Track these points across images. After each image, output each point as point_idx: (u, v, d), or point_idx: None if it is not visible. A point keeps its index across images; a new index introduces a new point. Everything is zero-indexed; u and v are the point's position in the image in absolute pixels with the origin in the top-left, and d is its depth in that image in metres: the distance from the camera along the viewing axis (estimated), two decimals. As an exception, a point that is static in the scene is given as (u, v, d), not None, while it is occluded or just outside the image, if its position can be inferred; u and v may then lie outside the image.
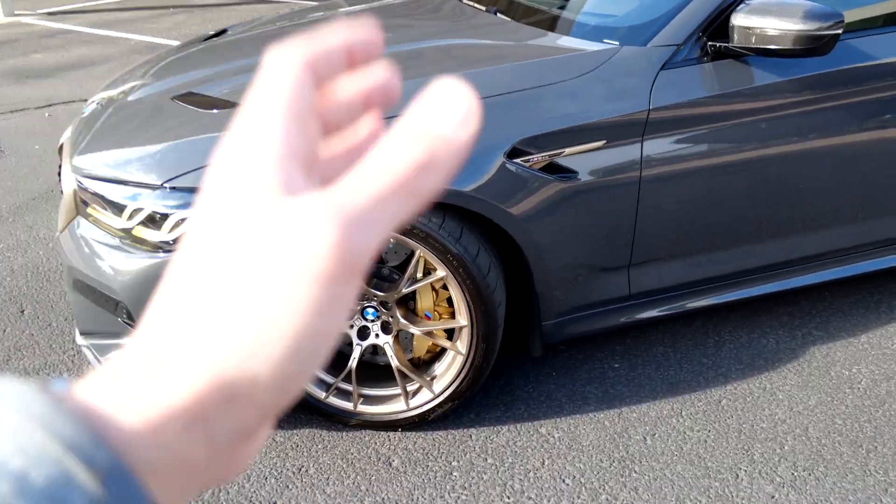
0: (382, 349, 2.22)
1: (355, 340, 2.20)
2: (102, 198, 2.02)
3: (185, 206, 1.90)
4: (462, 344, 2.13)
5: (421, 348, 2.27)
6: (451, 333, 2.19)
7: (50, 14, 9.35)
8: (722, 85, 2.14)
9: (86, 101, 3.47)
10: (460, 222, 2.01)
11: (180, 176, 1.92)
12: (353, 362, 2.17)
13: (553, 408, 2.33)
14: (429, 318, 2.19)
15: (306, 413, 2.28)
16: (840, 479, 2.03)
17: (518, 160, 1.99)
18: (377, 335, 2.21)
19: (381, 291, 2.13)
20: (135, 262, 1.94)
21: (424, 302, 2.21)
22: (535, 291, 2.14)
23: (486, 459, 2.14)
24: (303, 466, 2.13)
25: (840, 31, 2.00)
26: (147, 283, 1.93)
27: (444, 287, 2.20)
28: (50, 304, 2.96)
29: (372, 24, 0.29)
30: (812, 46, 1.99)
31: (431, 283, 2.15)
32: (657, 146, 2.10)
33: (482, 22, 2.67)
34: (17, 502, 0.20)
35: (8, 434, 0.21)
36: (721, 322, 2.71)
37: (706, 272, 2.38)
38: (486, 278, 2.02)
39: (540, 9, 2.67)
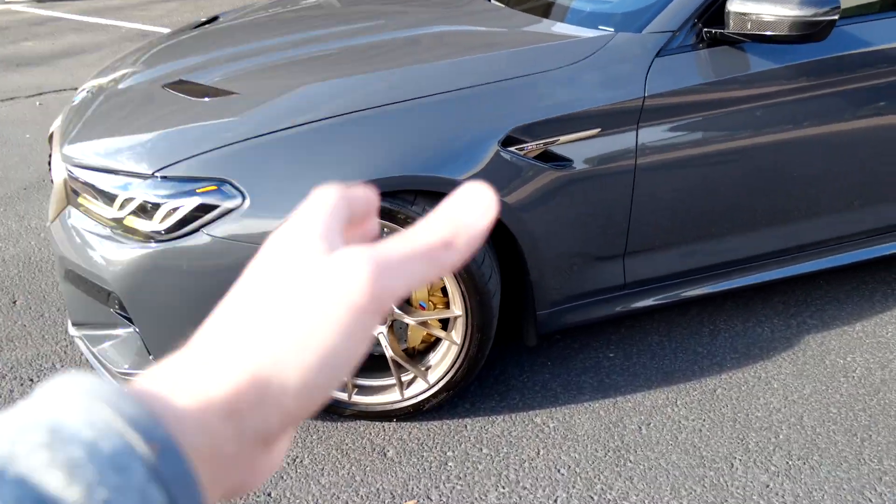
0: (377, 339, 2.21)
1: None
2: (93, 187, 1.99)
3: (177, 195, 1.88)
4: (457, 334, 2.12)
5: (416, 338, 2.26)
6: (445, 323, 2.18)
7: (40, 1, 9.27)
8: (717, 72, 2.12)
9: (76, 89, 3.44)
10: (454, 211, 1.99)
11: (171, 165, 1.90)
12: (347, 352, 2.16)
13: (548, 397, 2.32)
14: (423, 308, 2.18)
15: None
16: (834, 467, 2.03)
17: (512, 148, 1.97)
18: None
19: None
20: (126, 252, 1.92)
21: (419, 292, 2.20)
22: (529, 281, 2.13)
23: (481, 449, 2.14)
24: (297, 457, 2.13)
25: (836, 17, 1.98)
26: (138, 274, 1.91)
27: (439, 276, 2.19)
28: (42, 295, 2.94)
29: (373, 190, 0.37)
30: (808, 32, 1.97)
31: (426, 273, 2.14)
32: (652, 134, 2.08)
33: (477, 8, 2.65)
34: (89, 466, 0.24)
35: (81, 411, 0.25)
36: (716, 311, 2.71)
37: (701, 261, 2.37)
38: (480, 267, 2.01)
39: (534, -5, 2.64)
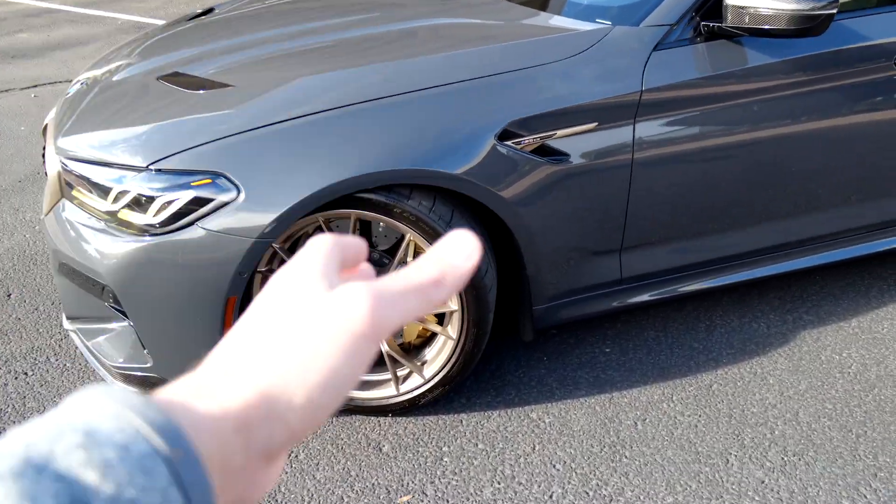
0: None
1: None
2: (87, 180, 1.98)
3: (171, 188, 1.86)
4: (453, 329, 2.11)
5: (411, 333, 2.26)
6: (441, 318, 2.17)
7: (36, -7, 9.21)
8: (715, 66, 2.11)
9: (72, 81, 3.41)
10: (451, 206, 1.99)
11: (166, 158, 1.88)
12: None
13: (544, 393, 2.32)
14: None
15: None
16: (830, 463, 2.03)
17: (509, 142, 1.96)
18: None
19: (370, 275, 2.11)
20: (120, 246, 1.91)
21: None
22: (526, 275, 2.13)
23: (477, 445, 2.13)
24: (292, 452, 2.12)
25: (835, 11, 1.97)
26: (133, 267, 1.90)
27: (435, 271, 2.18)
28: (37, 288, 2.92)
29: (362, 242, 0.41)
30: (807, 26, 1.96)
31: (421, 267, 2.13)
32: (649, 128, 2.07)
33: (474, 1, 2.63)
34: (120, 466, 0.26)
35: (112, 417, 0.28)
36: (712, 306, 2.71)
37: (698, 256, 2.36)
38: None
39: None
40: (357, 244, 0.41)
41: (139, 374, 2.05)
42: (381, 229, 2.21)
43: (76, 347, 2.51)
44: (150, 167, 1.88)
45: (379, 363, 2.20)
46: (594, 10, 2.29)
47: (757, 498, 1.93)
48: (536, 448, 2.11)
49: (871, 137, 2.34)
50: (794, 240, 2.46)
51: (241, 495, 0.33)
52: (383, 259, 2.15)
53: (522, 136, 1.97)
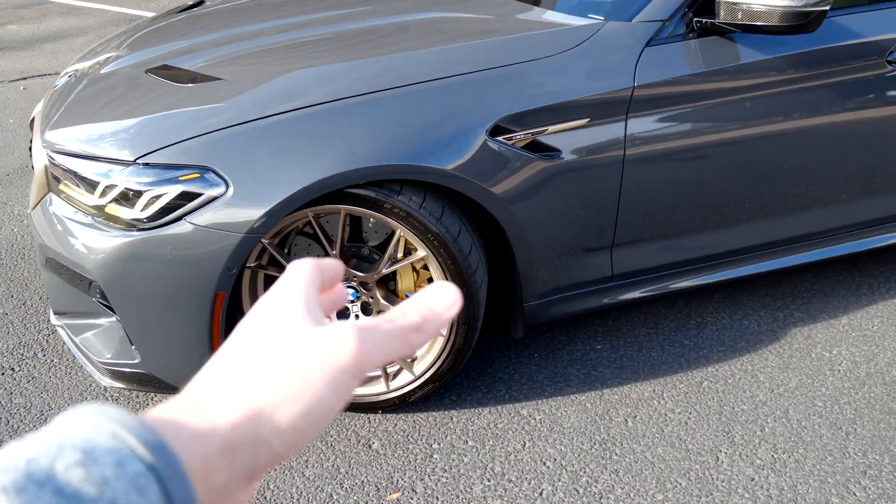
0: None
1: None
2: (74, 174, 1.96)
3: (159, 182, 1.85)
4: (443, 325, 2.10)
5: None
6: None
7: (26, -16, 9.13)
8: (707, 62, 2.10)
9: (61, 73, 3.37)
10: (441, 202, 1.98)
11: (154, 152, 1.87)
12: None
13: (534, 390, 2.31)
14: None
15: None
16: (819, 461, 2.03)
17: (500, 138, 1.95)
18: (357, 316, 2.18)
19: (361, 272, 2.10)
20: (108, 241, 1.89)
21: (405, 282, 2.18)
22: (516, 272, 2.12)
23: (467, 442, 2.12)
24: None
25: (827, 8, 1.97)
26: (120, 262, 1.88)
27: (425, 267, 2.17)
28: (24, 283, 2.90)
29: (340, 263, 0.45)
30: (799, 23, 1.95)
31: (412, 264, 2.12)
32: (641, 125, 2.06)
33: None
34: (115, 483, 0.28)
35: (108, 436, 0.29)
36: (703, 303, 2.70)
37: (689, 253, 2.36)
38: (467, 258, 1.99)
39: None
40: (334, 266, 0.44)
41: (127, 369, 2.04)
42: (371, 225, 2.20)
43: (64, 343, 2.49)
44: (137, 161, 1.86)
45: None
46: (587, 5, 2.28)
47: (747, 495, 1.93)
48: (527, 445, 2.11)
49: (864, 134, 2.34)
50: (785, 237, 2.46)
51: None
52: (373, 255, 2.14)
53: (514, 132, 1.96)
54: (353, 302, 2.16)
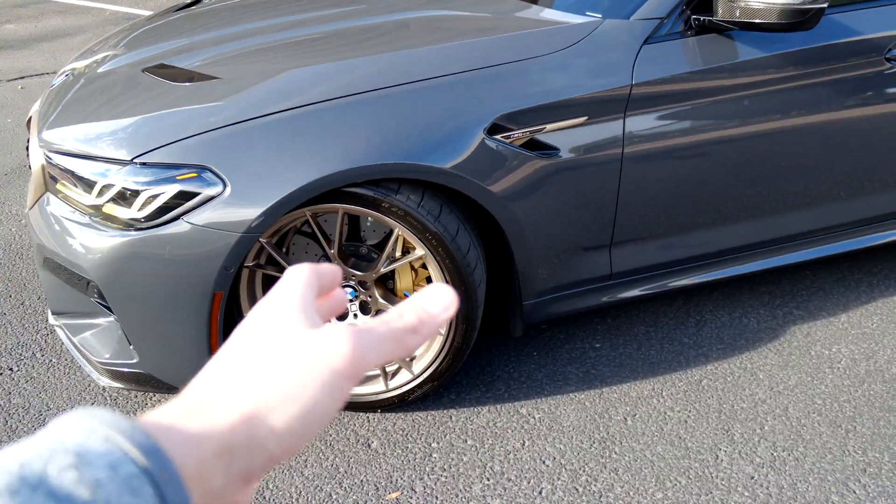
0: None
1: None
2: (72, 173, 1.96)
3: (156, 182, 1.84)
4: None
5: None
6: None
7: (23, -17, 9.12)
8: (706, 60, 2.10)
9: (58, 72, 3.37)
10: (439, 200, 1.97)
11: (151, 151, 1.86)
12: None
13: (534, 388, 2.31)
14: (408, 298, 2.15)
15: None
16: (819, 459, 2.03)
17: (498, 136, 1.94)
18: (355, 315, 2.18)
19: (359, 271, 2.09)
20: (105, 241, 1.88)
21: (403, 281, 2.17)
22: (515, 271, 2.11)
23: (466, 440, 2.12)
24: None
25: (825, 5, 1.96)
26: (118, 262, 1.87)
27: (424, 266, 2.16)
28: (22, 283, 2.90)
29: (337, 269, 0.44)
30: (797, 20, 1.95)
31: (410, 263, 2.12)
32: (639, 123, 2.06)
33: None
34: (109, 486, 0.28)
35: (101, 439, 0.29)
36: (702, 301, 2.70)
37: (688, 251, 2.36)
38: (465, 257, 1.99)
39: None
40: (332, 271, 0.44)
41: (125, 369, 2.03)
42: (369, 224, 2.20)
43: (62, 343, 2.49)
44: (135, 161, 1.86)
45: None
46: (585, 2, 2.27)
47: (746, 493, 1.93)
48: (526, 444, 2.10)
49: (862, 132, 2.33)
50: (784, 235, 2.45)
51: None
52: (371, 254, 2.14)
53: (512, 130, 1.95)
54: (351, 301, 2.16)
